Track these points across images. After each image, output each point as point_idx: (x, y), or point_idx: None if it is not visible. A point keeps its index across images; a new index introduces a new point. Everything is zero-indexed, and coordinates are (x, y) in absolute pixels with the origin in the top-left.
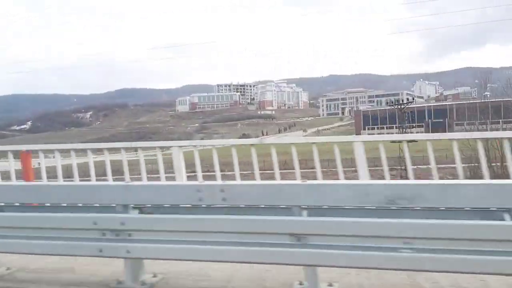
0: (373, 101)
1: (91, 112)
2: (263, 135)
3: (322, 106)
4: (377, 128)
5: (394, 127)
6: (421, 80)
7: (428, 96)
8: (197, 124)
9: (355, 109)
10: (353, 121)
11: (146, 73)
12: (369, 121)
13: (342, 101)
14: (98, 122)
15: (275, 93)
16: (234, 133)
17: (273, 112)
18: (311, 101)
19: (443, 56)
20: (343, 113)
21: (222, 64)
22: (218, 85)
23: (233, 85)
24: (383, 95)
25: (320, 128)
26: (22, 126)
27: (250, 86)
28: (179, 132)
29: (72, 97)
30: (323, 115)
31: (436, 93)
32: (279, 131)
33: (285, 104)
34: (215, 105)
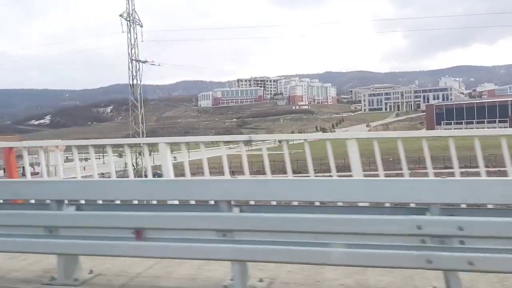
0: (420, 96)
1: (111, 107)
2: (331, 129)
3: (364, 101)
4: (454, 123)
5: (474, 122)
6: (446, 76)
7: (462, 93)
8: (235, 119)
9: (398, 103)
10: (410, 116)
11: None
12: (443, 116)
13: (385, 96)
14: (120, 117)
15: (305, 88)
16: (282, 128)
17: (309, 107)
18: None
19: (431, 55)
20: (386, 108)
21: (215, 61)
22: (238, 80)
23: (254, 79)
24: (430, 90)
25: (383, 122)
26: (41, 121)
27: (271, 81)
28: (219, 127)
29: (64, 92)
30: (364, 110)
31: (459, 88)
32: (332, 126)
33: (314, 99)
34: (239, 100)
